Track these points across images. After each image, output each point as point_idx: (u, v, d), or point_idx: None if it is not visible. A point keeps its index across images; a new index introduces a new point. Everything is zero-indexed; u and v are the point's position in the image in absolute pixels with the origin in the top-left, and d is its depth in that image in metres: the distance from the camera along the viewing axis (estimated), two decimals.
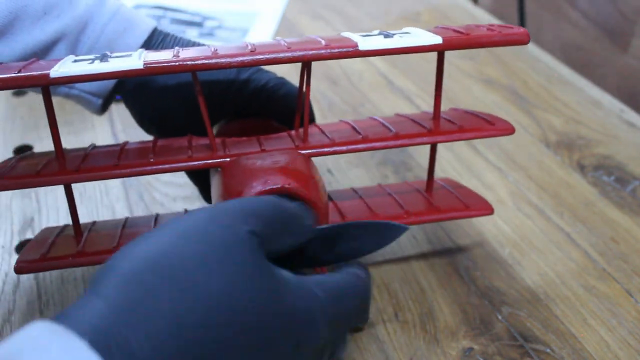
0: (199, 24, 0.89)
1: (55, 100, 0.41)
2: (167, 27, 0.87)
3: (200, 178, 0.50)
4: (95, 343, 0.23)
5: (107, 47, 0.45)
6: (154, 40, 0.47)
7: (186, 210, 0.48)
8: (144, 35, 0.47)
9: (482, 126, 0.44)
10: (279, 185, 0.36)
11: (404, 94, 0.73)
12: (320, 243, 0.35)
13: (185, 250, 0.27)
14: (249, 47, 0.38)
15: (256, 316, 0.26)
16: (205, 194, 0.51)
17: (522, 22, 1.12)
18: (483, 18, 0.92)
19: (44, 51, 0.44)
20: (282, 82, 0.47)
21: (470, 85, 0.75)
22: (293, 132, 0.44)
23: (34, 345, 0.22)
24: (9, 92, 0.72)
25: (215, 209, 0.30)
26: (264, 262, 0.28)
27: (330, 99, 0.72)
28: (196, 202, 0.55)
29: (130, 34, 0.46)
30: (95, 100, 0.48)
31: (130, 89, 0.48)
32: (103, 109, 0.49)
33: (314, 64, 0.42)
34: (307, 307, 0.29)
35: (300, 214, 0.33)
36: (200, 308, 0.25)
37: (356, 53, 0.38)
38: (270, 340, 0.27)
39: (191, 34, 0.86)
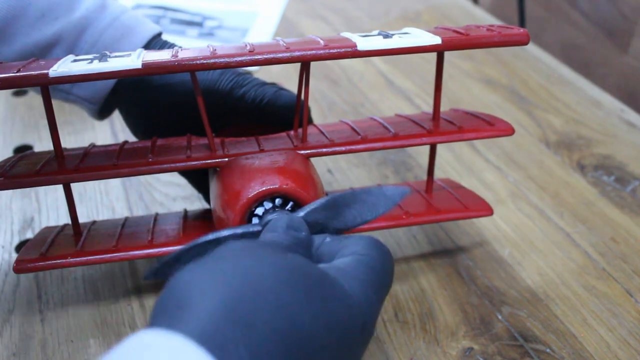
0: (199, 24, 0.89)
1: (55, 100, 0.41)
2: (167, 27, 0.87)
3: (198, 179, 0.50)
4: (204, 343, 0.23)
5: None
6: (151, 48, 0.47)
7: (186, 210, 0.47)
8: (141, 43, 0.47)
9: (481, 127, 0.44)
10: (276, 186, 0.36)
11: (404, 94, 0.73)
12: (328, 212, 0.35)
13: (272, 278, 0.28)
14: (248, 47, 0.38)
15: (328, 321, 0.28)
16: (205, 195, 0.51)
17: (522, 22, 1.12)
18: (483, 18, 0.92)
19: (42, 53, 0.44)
20: (278, 95, 0.45)
21: (470, 85, 0.75)
22: (292, 133, 0.44)
23: (140, 345, 0.23)
24: (8, 92, 0.72)
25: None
26: (320, 271, 0.29)
27: (330, 99, 0.72)
28: (196, 202, 0.55)
29: (127, 41, 0.46)
30: (91, 106, 0.48)
31: (124, 99, 0.47)
32: (102, 114, 0.49)
33: (314, 64, 0.42)
34: (363, 291, 0.30)
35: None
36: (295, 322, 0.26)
37: (355, 53, 0.38)
38: (348, 332, 0.28)
39: (191, 34, 0.86)
